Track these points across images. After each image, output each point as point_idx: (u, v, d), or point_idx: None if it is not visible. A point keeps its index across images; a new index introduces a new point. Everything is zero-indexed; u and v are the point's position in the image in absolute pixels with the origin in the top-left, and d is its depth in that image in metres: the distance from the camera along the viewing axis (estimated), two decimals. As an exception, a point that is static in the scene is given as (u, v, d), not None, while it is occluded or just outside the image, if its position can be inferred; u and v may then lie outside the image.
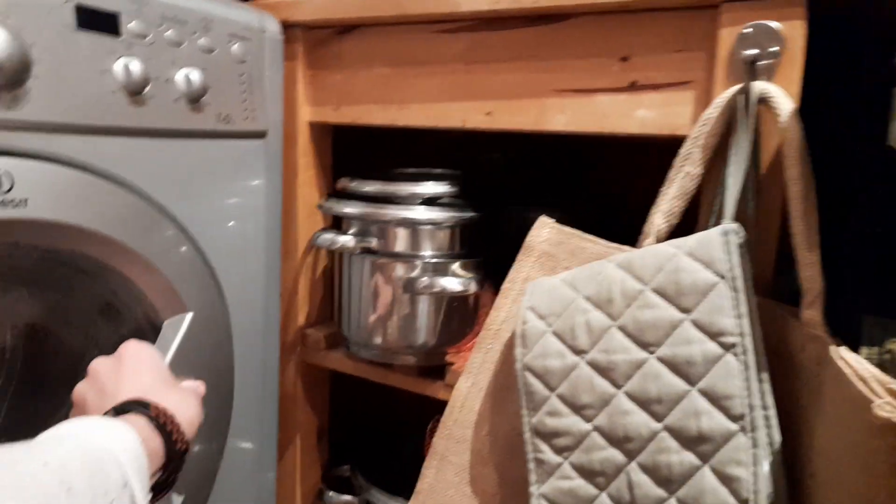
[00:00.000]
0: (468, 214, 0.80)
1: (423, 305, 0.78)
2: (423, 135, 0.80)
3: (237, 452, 0.79)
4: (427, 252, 0.79)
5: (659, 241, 0.58)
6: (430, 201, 0.79)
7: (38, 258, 0.64)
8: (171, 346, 0.67)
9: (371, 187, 0.80)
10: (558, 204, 0.79)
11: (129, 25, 0.61)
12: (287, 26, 0.81)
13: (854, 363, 0.40)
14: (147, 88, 0.62)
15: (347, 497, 0.91)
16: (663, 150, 0.63)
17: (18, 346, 0.76)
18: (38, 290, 0.71)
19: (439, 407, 0.73)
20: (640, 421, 0.51)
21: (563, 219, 0.68)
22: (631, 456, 0.52)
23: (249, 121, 0.75)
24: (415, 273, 0.77)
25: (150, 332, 0.69)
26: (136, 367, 0.53)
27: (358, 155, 0.94)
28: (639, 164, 0.83)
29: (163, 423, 0.48)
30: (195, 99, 0.67)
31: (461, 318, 0.80)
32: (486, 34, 0.73)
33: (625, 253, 0.59)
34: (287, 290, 0.88)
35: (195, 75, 0.66)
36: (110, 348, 0.55)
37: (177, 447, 0.48)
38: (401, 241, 0.79)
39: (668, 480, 0.49)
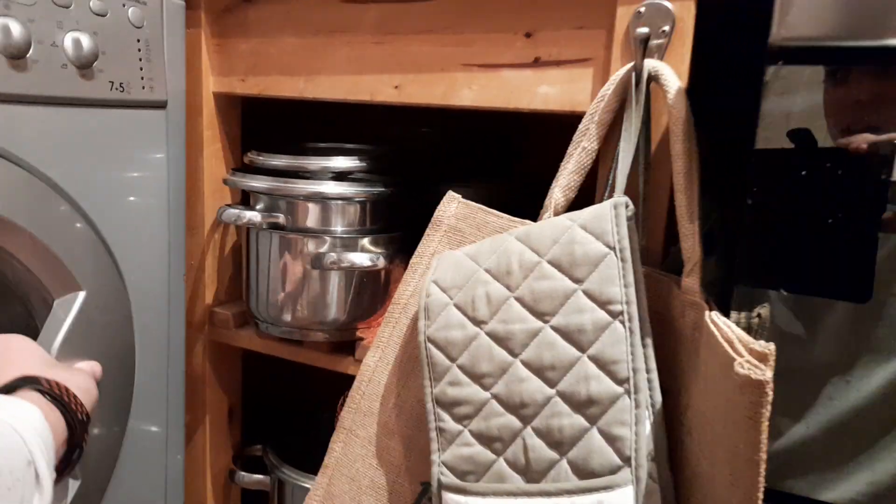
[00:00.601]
0: (378, 190, 0.79)
1: (334, 281, 0.78)
2: (342, 109, 0.79)
3: (140, 435, 0.76)
4: (337, 228, 0.79)
5: (556, 214, 0.60)
6: (341, 176, 0.79)
7: None
8: (62, 326, 0.64)
9: (279, 161, 0.79)
10: (489, 180, 0.80)
11: (7, -17, 0.57)
12: (190, -8, 0.78)
13: (723, 326, 0.43)
14: (30, 52, 0.59)
15: (258, 476, 0.90)
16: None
17: None
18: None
19: (350, 383, 0.73)
20: (535, 387, 0.53)
21: (484, 195, 0.69)
22: (526, 421, 0.53)
23: (147, 90, 0.72)
24: (323, 248, 0.76)
25: (42, 312, 0.66)
26: (18, 352, 0.51)
27: (272, 128, 0.92)
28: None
29: (58, 393, 0.46)
30: (85, 65, 0.64)
31: (372, 293, 0.80)
32: (397, 6, 0.72)
33: (525, 226, 0.61)
34: (193, 268, 0.86)
35: (85, 40, 0.63)
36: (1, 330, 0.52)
37: (78, 416, 0.46)
38: (310, 216, 0.78)
39: (559, 443, 0.51)
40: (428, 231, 0.70)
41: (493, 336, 0.56)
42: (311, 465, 0.87)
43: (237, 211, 0.77)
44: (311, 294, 0.78)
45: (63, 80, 0.62)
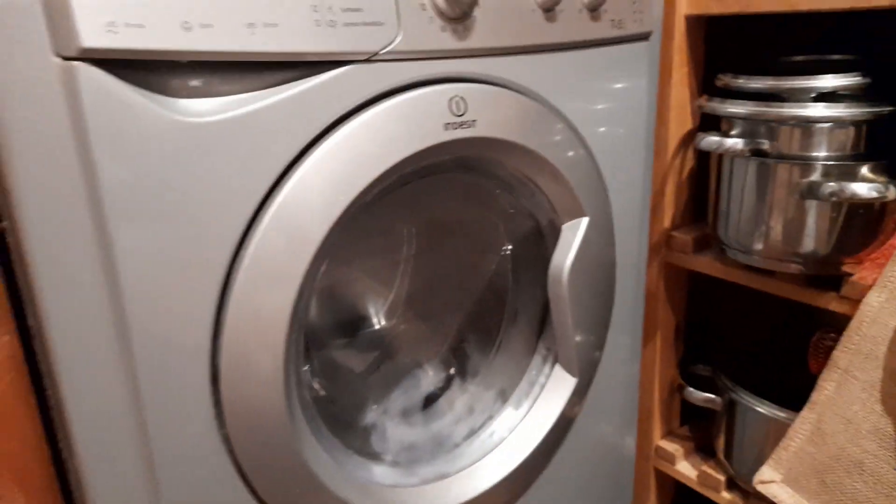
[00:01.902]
0: (879, 109, 0.70)
1: (820, 211, 0.73)
2: (808, 18, 0.71)
3: (613, 345, 0.85)
4: (826, 153, 0.72)
5: None
6: (829, 96, 0.71)
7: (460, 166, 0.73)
8: (571, 248, 0.73)
9: (760, 83, 0.75)
10: None
11: (546, -58, 0.63)
12: (670, -86, 0.76)
13: None
14: (560, 3, 0.65)
15: (708, 394, 0.93)
16: None
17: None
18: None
19: (820, 318, 0.69)
20: None
21: None
22: None
23: (637, 23, 0.74)
24: (814, 176, 0.71)
25: (549, 233, 0.76)
26: None
27: (735, 46, 0.88)
28: None
29: None
30: (595, 7, 0.68)
31: (864, 226, 0.73)
32: None
33: None
34: (655, 192, 0.89)
35: (596, -18, 0.67)
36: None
37: None
38: (796, 141, 0.73)
39: None
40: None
41: None
42: (763, 391, 0.87)
43: (718, 138, 0.76)
44: (790, 223, 0.75)
45: (579, 24, 0.68)
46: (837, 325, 0.76)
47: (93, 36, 0.42)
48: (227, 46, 0.47)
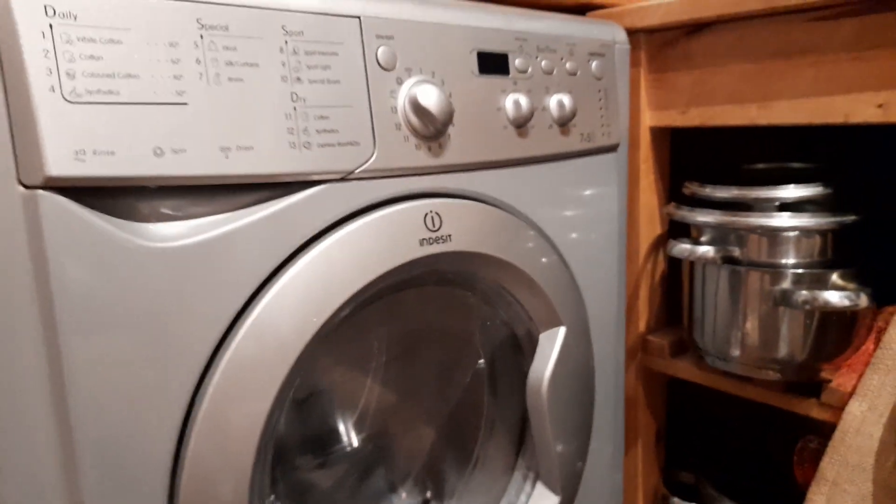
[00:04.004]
0: (843, 219, 0.72)
1: (793, 318, 0.73)
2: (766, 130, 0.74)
3: (595, 454, 0.82)
4: (795, 260, 0.74)
5: None
6: (794, 204, 0.73)
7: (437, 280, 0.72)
8: (550, 357, 0.71)
9: (725, 193, 0.77)
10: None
11: (516, 62, 0.65)
12: (631, 33, 0.80)
13: None
14: (531, 120, 0.66)
15: (693, 504, 0.90)
16: None
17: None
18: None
19: (797, 425, 0.68)
20: None
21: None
22: None
23: (605, 136, 0.76)
24: (785, 284, 0.72)
25: (526, 343, 0.74)
26: None
27: (695, 152, 0.91)
28: None
29: None
30: (564, 122, 0.70)
31: (838, 332, 0.73)
32: (876, 17, 0.64)
33: None
34: (629, 296, 0.89)
35: (566, 100, 0.69)
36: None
37: None
38: (764, 249, 0.74)
39: None
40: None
41: None
42: (748, 500, 0.84)
43: (689, 246, 0.77)
44: (766, 330, 0.75)
45: (549, 139, 0.69)
46: (820, 430, 0.75)
47: (60, 164, 0.41)
48: (201, 171, 0.46)
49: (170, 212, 0.46)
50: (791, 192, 0.73)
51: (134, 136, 0.43)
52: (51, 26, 0.40)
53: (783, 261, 0.73)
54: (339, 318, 0.55)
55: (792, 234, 0.73)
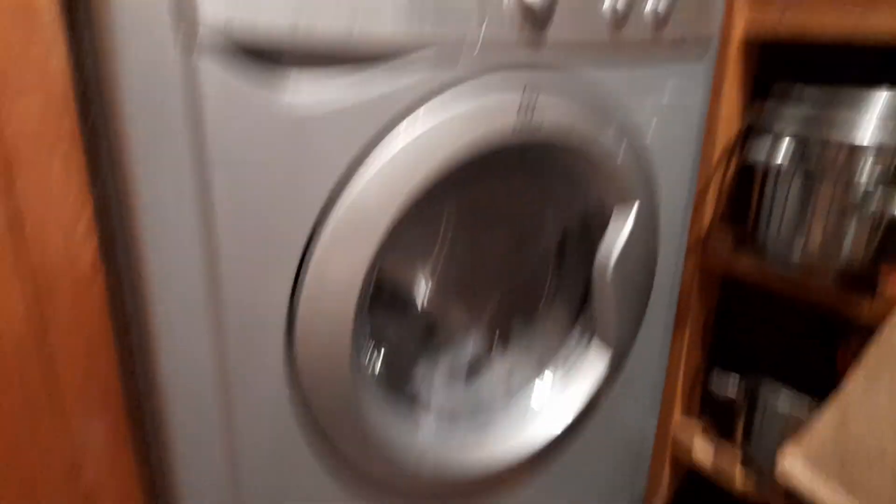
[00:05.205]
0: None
1: (860, 225, 0.76)
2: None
3: (646, 333, 0.88)
4: (870, 172, 0.76)
5: None
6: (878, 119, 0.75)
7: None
8: (622, 231, 0.76)
9: (810, 100, 0.78)
10: None
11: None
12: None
13: None
14: (629, 13, 0.68)
15: (732, 386, 0.96)
16: None
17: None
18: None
19: (852, 329, 0.72)
20: None
21: None
22: None
23: (697, 34, 0.77)
24: (857, 195, 0.75)
25: (598, 217, 0.79)
26: None
27: (784, 66, 0.91)
28: None
29: None
30: (659, 18, 0.71)
31: (899, 240, 0.77)
32: None
33: None
34: (697, 194, 0.92)
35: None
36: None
37: None
38: (843, 158, 0.77)
39: None
40: None
41: None
42: (789, 385, 0.90)
43: (765, 151, 0.79)
44: (830, 235, 0.78)
45: (643, 32, 0.71)
46: (868, 334, 0.80)
47: (212, 28, 0.46)
48: (332, 35, 0.51)
49: (303, 78, 0.52)
50: (883, 98, 0.74)
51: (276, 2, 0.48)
52: None
53: (858, 171, 0.76)
54: (439, 178, 0.61)
55: (872, 146, 0.75)
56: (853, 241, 0.77)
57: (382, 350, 0.78)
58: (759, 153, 0.80)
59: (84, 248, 0.53)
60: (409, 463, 0.69)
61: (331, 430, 0.62)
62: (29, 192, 0.50)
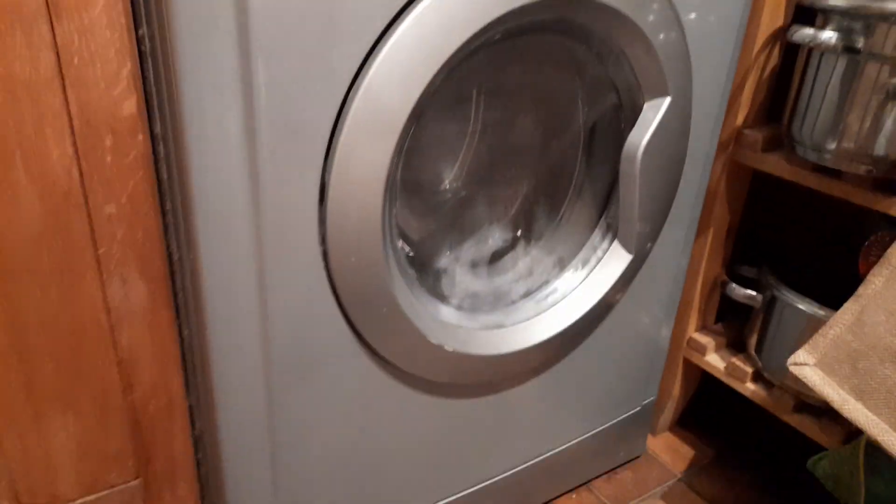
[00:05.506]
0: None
1: (901, 115, 0.74)
2: None
3: (668, 233, 0.88)
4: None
5: None
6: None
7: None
8: (650, 126, 0.75)
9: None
10: None
11: None
12: None
13: None
14: None
15: (749, 291, 0.97)
16: None
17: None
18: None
19: (878, 228, 0.71)
20: None
21: None
22: None
23: None
24: (904, 78, 0.72)
25: (628, 110, 0.78)
26: None
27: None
28: None
29: None
30: None
31: (942, 133, 0.74)
32: None
33: None
34: (733, 88, 0.89)
35: None
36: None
37: None
38: (891, 40, 0.73)
39: None
40: None
41: None
42: (808, 291, 0.91)
43: (811, 31, 0.76)
44: (869, 124, 0.76)
45: None
46: (894, 231, 0.79)
47: None
48: None
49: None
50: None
51: None
52: None
53: (907, 52, 0.73)
54: (468, 50, 0.60)
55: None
56: (892, 131, 0.75)
57: (409, 237, 0.79)
58: (804, 34, 0.76)
59: (126, 100, 0.54)
60: (432, 337, 0.71)
61: (353, 296, 0.64)
62: (71, 41, 0.50)
